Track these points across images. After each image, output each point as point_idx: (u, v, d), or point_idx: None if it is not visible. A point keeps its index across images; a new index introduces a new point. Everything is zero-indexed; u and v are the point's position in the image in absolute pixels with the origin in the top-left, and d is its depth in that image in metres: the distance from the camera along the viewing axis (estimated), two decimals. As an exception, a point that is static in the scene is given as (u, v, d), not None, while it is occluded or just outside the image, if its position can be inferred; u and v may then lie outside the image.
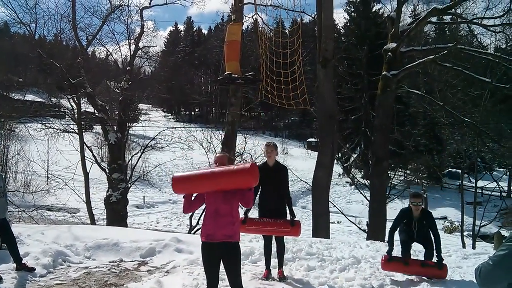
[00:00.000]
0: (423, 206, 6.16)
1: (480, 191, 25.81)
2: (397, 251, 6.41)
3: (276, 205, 5.85)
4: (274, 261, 6.08)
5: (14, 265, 6.15)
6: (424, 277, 5.99)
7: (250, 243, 7.78)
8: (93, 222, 18.66)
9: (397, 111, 25.89)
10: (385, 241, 9.28)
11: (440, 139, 34.27)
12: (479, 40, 19.56)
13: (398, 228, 6.26)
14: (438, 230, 6.15)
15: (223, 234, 4.12)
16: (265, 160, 5.99)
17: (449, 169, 38.84)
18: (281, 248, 6.01)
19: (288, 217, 5.85)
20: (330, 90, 13.26)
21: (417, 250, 6.74)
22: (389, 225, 15.27)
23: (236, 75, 11.09)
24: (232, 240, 4.16)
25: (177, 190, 4.32)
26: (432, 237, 6.02)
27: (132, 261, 7.06)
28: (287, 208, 5.91)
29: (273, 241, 6.03)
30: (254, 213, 5.92)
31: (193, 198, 4.37)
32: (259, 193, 5.97)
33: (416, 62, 14.01)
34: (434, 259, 6.00)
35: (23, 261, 6.19)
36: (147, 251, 7.37)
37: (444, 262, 5.99)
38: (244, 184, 4.09)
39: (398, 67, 13.76)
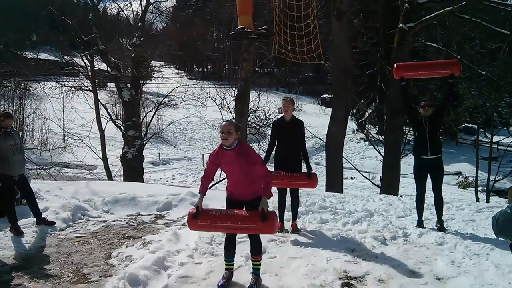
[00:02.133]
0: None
1: (496, 146, 25.58)
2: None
3: (293, 158, 5.90)
4: (288, 214, 6.19)
5: (35, 219, 6.34)
6: (435, 229, 6.02)
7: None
8: (110, 178, 19.04)
9: (413, 65, 25.34)
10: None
11: (457, 94, 33.64)
12: (498, -10, 18.82)
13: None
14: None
15: (245, 194, 4.31)
16: (281, 115, 5.97)
17: (465, 124, 38.35)
18: (295, 202, 6.10)
19: (304, 169, 5.91)
20: (345, 43, 13.00)
21: (430, 204, 6.76)
22: (403, 180, 15.36)
23: (248, 30, 10.93)
24: (254, 197, 4.28)
25: (193, 227, 4.37)
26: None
27: (149, 214, 7.23)
28: (303, 161, 5.97)
29: (288, 195, 6.12)
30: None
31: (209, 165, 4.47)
32: (275, 147, 6.03)
33: (434, 14, 13.56)
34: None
35: (43, 216, 6.38)
36: (164, 205, 7.54)
37: None
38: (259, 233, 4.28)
39: (415, 19, 13.36)
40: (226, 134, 4.19)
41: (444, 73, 6.26)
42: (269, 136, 6.05)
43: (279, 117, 6.08)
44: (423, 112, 6.12)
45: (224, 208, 4.49)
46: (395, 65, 6.29)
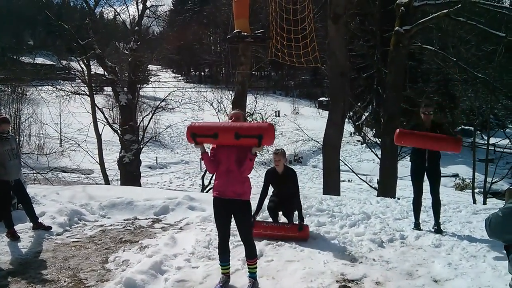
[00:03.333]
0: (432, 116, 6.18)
1: (493, 148, 25.64)
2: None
3: (286, 208, 5.97)
4: (284, 218, 6.18)
5: (31, 224, 6.32)
6: (431, 230, 6.04)
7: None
8: (107, 182, 18.99)
9: (409, 68, 25.44)
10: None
11: (453, 96, 33.72)
12: (494, -7, 18.94)
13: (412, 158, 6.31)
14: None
15: (233, 191, 4.18)
16: (273, 166, 5.92)
17: (462, 127, 38.42)
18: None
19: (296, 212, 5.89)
20: (342, 46, 13.02)
21: (427, 206, 6.77)
22: (400, 182, 15.39)
23: (245, 33, 10.96)
24: (241, 198, 4.21)
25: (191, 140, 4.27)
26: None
27: (146, 218, 7.21)
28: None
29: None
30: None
31: (209, 154, 4.34)
32: (270, 194, 6.10)
33: (430, 17, 13.62)
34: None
35: (39, 221, 6.36)
36: (161, 209, 7.52)
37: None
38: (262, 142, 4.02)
39: (411, 22, 13.42)
40: (236, 120, 4.33)
41: (445, 149, 6.19)
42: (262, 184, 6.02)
43: (271, 167, 6.00)
44: (425, 118, 6.11)
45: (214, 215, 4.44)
46: (397, 130, 6.24)
